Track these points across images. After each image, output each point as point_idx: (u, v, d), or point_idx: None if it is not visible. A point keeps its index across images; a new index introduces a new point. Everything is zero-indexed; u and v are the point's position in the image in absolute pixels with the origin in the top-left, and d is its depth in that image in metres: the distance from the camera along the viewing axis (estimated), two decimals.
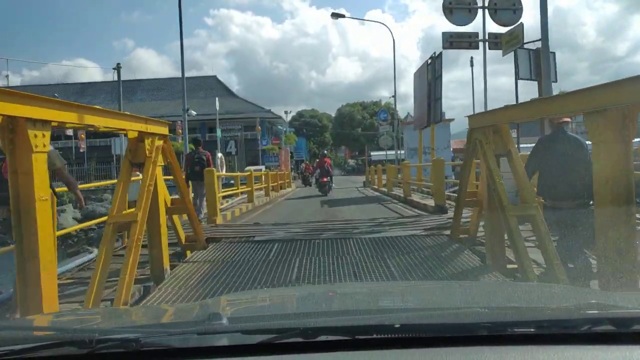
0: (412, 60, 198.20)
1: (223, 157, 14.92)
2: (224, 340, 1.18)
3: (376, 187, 21.70)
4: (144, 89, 67.59)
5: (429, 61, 15.57)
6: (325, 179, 19.45)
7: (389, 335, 1.19)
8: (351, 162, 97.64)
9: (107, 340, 1.14)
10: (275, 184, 23.48)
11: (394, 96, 27.37)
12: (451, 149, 26.60)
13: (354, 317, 1.41)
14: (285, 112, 59.72)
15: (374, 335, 1.18)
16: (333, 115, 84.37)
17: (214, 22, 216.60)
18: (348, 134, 77.14)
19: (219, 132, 30.71)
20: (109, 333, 1.23)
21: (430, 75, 15.52)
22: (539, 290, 2.28)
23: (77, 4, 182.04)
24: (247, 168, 29.79)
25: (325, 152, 26.10)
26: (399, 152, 27.50)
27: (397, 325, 1.20)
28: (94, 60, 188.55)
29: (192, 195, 10.48)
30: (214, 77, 69.03)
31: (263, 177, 20.36)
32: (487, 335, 1.17)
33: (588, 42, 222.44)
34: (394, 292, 2.39)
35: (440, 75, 14.74)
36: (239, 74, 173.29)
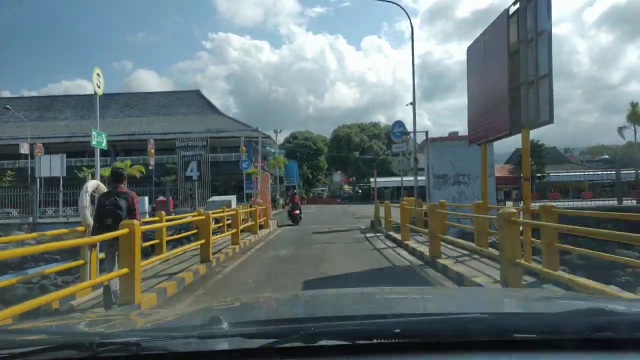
0: (409, 85, 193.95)
1: (100, 185, 7.31)
2: (224, 345, 1.18)
3: (398, 236, 14.12)
4: (117, 103, 61.07)
5: (514, 7, 8.19)
6: (296, 212, 23.25)
7: (389, 341, 1.18)
8: (347, 188, 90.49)
9: (108, 344, 1.15)
10: (249, 224, 15.97)
11: (413, 102, 19.96)
12: (494, 176, 19.21)
13: (353, 322, 1.37)
14: (275, 132, 52.14)
15: (374, 341, 1.18)
16: (329, 138, 76.96)
17: (212, 45, 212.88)
18: (344, 157, 69.59)
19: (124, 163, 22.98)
20: (110, 337, 1.26)
21: (520, 36, 8.11)
22: (539, 296, 2.29)
23: (83, 23, 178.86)
24: (212, 199, 22.09)
25: (295, 191, 28.54)
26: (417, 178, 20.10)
27: (397, 331, 1.20)
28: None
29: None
30: (197, 91, 62.28)
31: (232, 217, 12.87)
32: (487, 341, 1.17)
33: (582, 70, 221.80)
34: (394, 298, 2.29)
35: (549, 34, 7.39)
36: (237, 96, 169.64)
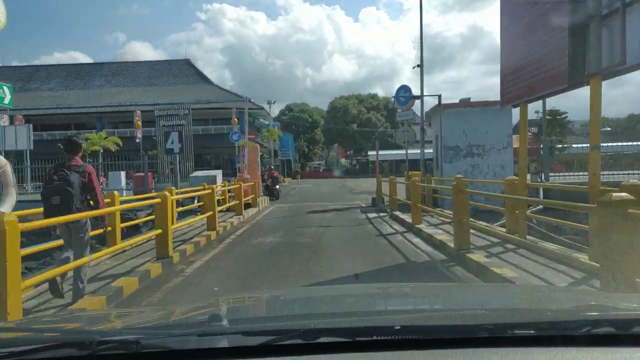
0: (408, 58, 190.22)
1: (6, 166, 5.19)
2: (224, 342, 1.17)
3: (406, 218, 11.91)
4: (104, 74, 58.40)
5: None
6: (276, 187, 23.96)
7: (389, 337, 1.18)
8: (344, 162, 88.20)
9: (108, 342, 1.14)
10: (232, 203, 13.79)
11: (420, 65, 17.50)
12: (512, 147, 16.99)
13: (354, 319, 1.40)
14: (269, 103, 49.44)
15: (374, 337, 1.18)
16: (326, 110, 74.16)
17: (207, 17, 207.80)
18: (342, 130, 67.00)
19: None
20: (110, 335, 1.24)
21: None
22: (539, 292, 2.29)
23: None
24: (194, 174, 19.81)
25: (272, 167, 30.18)
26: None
27: (397, 327, 1.20)
28: (88, 54, 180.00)
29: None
30: (186, 61, 59.33)
31: (205, 197, 10.62)
32: (487, 337, 1.16)
33: None
34: (394, 294, 2.25)
35: None
36: (233, 69, 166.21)
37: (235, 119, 47.06)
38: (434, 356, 1.11)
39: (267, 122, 52.12)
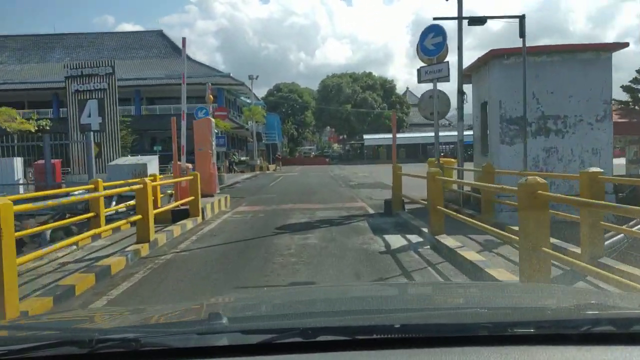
0: (401, 43, 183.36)
1: None
2: (223, 340, 1.16)
3: (471, 255, 5.59)
4: (66, 45, 51.64)
5: None
6: None
7: (389, 336, 1.18)
8: (336, 147, 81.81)
9: (107, 340, 1.14)
10: (135, 218, 7.35)
11: None
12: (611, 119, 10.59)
13: (353, 317, 1.40)
14: (251, 78, 42.33)
15: (374, 336, 1.17)
16: (317, 91, 67.23)
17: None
18: (334, 111, 60.18)
19: None
20: (109, 333, 1.24)
21: None
22: (539, 290, 2.28)
23: None
24: (115, 162, 13.35)
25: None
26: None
27: (397, 326, 1.20)
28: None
29: None
30: (159, 32, 52.47)
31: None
32: (487, 336, 1.16)
33: (577, 29, 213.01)
34: (394, 293, 2.25)
35: None
36: (226, 53, 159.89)
37: (210, 96, 40.50)
38: (434, 355, 1.11)
39: (249, 100, 45.34)
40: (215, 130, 26.42)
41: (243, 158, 42.41)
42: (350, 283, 4.60)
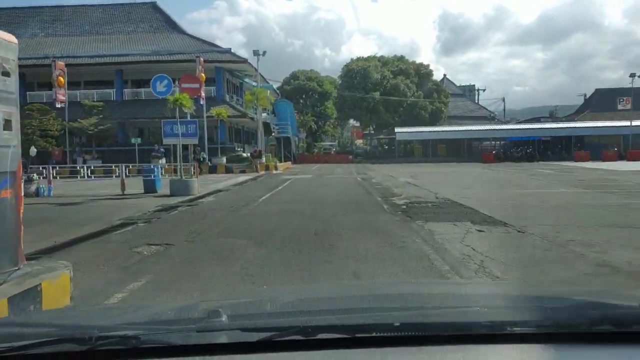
0: (427, 38, 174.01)
1: None
2: (223, 338, 1.16)
3: None
4: (41, 20, 43.83)
5: None
6: None
7: (389, 334, 1.18)
8: (360, 142, 72.44)
9: (107, 337, 1.14)
10: None
11: None
12: None
13: (353, 316, 1.40)
14: (256, 54, 33.27)
15: (374, 334, 1.18)
16: (339, 76, 57.98)
17: None
18: (360, 100, 50.96)
19: None
20: (109, 330, 1.23)
21: None
22: (539, 289, 2.28)
23: None
24: None
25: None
26: None
27: (396, 324, 1.20)
28: None
29: None
30: (152, 4, 43.93)
31: None
32: (486, 334, 1.17)
33: (611, 24, 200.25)
34: (394, 291, 2.17)
35: None
36: (251, 49, 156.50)
37: (202, 74, 31.47)
38: (433, 353, 1.12)
39: (254, 83, 36.48)
40: (185, 111, 17.44)
41: (245, 155, 33.58)
42: (350, 282, 4.60)
